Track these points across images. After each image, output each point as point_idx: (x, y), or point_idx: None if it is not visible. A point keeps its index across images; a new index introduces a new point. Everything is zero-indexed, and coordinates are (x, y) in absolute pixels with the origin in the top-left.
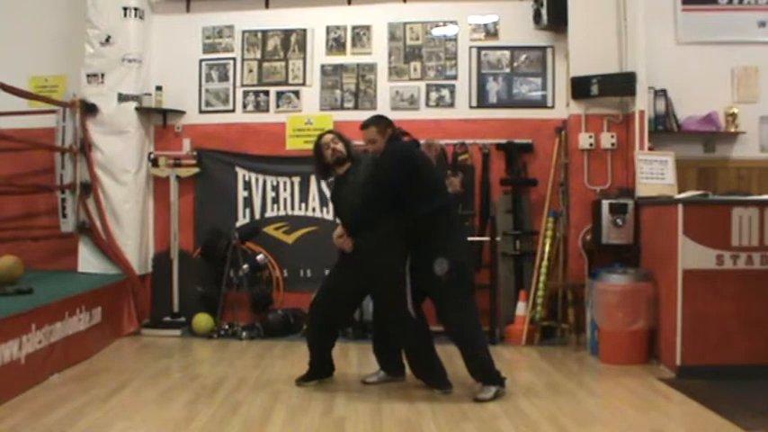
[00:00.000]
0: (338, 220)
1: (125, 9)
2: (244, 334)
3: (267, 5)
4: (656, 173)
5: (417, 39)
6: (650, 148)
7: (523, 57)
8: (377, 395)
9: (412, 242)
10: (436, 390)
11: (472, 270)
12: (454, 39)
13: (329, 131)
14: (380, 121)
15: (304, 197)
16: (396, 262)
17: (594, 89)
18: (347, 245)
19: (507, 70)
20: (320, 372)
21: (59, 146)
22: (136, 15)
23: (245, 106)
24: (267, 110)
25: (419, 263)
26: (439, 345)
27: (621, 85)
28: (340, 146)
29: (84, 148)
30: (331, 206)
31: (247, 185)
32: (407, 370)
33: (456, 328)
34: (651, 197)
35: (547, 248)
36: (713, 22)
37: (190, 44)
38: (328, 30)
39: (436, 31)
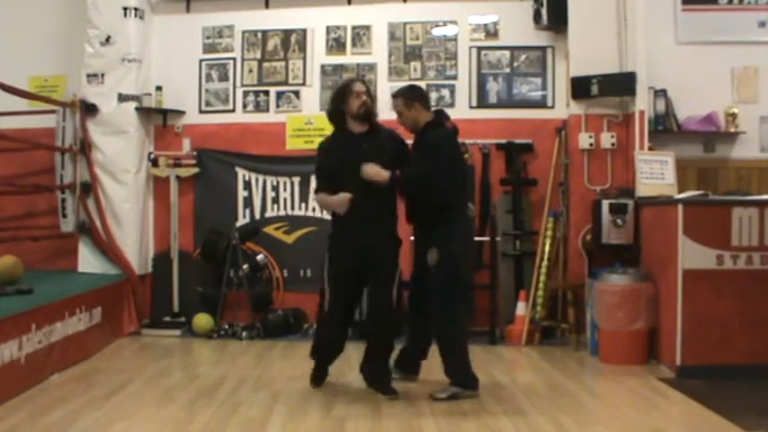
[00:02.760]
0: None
1: (125, 9)
2: (244, 334)
3: (267, 5)
4: (656, 173)
5: (417, 39)
6: (650, 148)
7: (523, 57)
8: (377, 395)
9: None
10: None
11: (466, 270)
12: (454, 39)
13: (360, 80)
14: (409, 93)
15: (304, 197)
16: (398, 257)
17: (594, 89)
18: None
19: (507, 70)
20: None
21: (59, 146)
22: (136, 15)
23: (245, 106)
24: (267, 110)
25: (419, 252)
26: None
27: (621, 85)
28: (370, 101)
29: (85, 148)
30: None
31: (247, 185)
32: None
33: (436, 318)
34: (651, 197)
35: (547, 248)
36: (713, 22)
37: (190, 44)
38: (328, 30)
39: (436, 31)
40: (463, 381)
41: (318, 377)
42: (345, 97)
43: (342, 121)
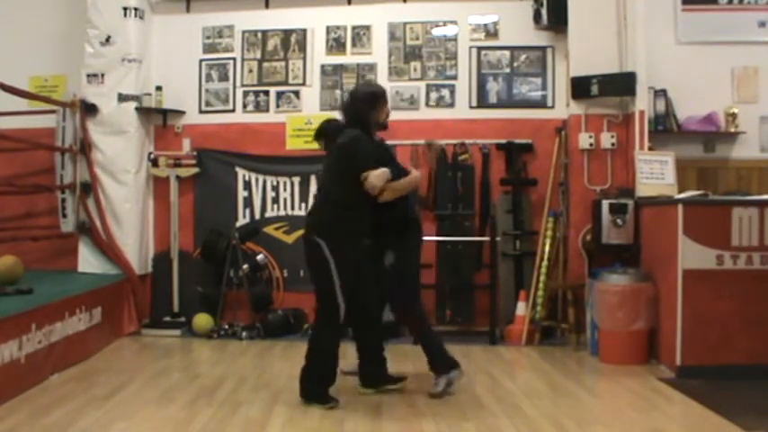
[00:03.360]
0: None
1: (125, 9)
2: (244, 334)
3: (267, 5)
4: (656, 173)
5: (417, 39)
6: (650, 148)
7: (523, 57)
8: (377, 395)
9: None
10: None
11: (418, 271)
12: (454, 39)
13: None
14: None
15: (304, 197)
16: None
17: (594, 89)
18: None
19: (507, 70)
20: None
21: (59, 146)
22: (136, 15)
23: (245, 106)
24: (267, 110)
25: (376, 254)
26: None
27: (621, 85)
28: None
29: (85, 148)
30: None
31: (247, 185)
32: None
33: (402, 317)
34: (651, 197)
35: (547, 248)
36: (713, 22)
37: (190, 44)
38: (328, 30)
39: (436, 31)
40: (446, 365)
41: (328, 396)
42: (380, 105)
43: (369, 125)
